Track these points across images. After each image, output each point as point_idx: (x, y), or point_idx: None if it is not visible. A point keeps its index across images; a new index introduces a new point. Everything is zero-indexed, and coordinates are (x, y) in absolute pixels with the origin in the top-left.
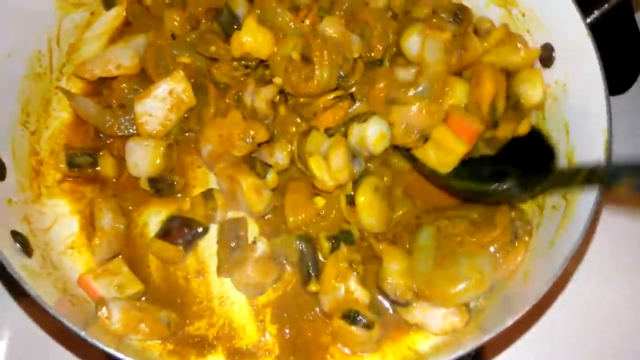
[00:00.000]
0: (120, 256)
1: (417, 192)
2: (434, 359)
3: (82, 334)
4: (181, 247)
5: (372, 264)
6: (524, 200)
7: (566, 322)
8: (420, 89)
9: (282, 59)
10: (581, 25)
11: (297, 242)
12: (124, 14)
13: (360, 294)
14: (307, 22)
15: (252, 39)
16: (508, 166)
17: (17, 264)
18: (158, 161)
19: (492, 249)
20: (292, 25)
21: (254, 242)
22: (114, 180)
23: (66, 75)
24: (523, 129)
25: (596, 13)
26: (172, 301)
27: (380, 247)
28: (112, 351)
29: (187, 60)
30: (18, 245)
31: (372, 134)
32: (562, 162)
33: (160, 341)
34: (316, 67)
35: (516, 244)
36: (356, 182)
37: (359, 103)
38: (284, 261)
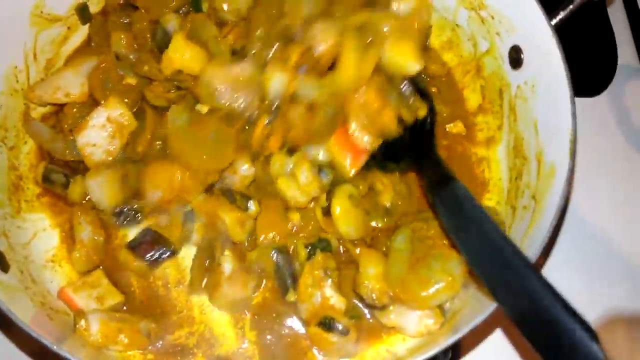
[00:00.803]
0: (100, 267)
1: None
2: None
3: (55, 348)
4: (146, 264)
5: (349, 269)
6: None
7: None
8: None
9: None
10: (546, 27)
11: (273, 254)
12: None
13: (336, 301)
14: (230, 37)
15: (180, 55)
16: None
17: None
18: (114, 195)
19: None
20: (219, 42)
21: (219, 264)
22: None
23: None
24: (421, 113)
25: (562, 14)
26: (152, 311)
27: (357, 251)
28: None
29: (134, 82)
30: None
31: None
32: (532, 163)
33: (140, 351)
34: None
35: None
36: (330, 192)
37: None
38: (260, 272)
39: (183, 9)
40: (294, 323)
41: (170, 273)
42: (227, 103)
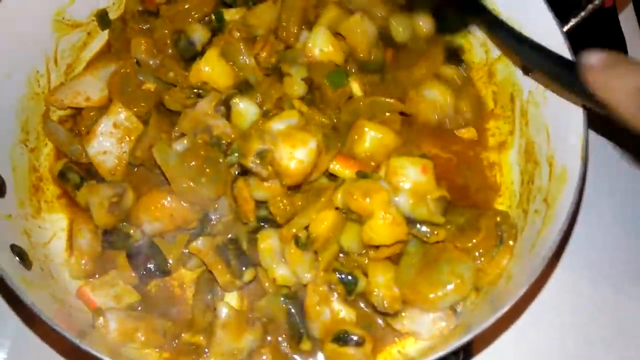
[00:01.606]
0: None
1: None
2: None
3: (78, 342)
4: (137, 276)
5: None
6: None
7: (549, 314)
8: None
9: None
10: (558, 33)
11: (283, 301)
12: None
13: (345, 313)
14: (264, 54)
15: (211, 69)
16: None
17: (17, 277)
18: (102, 217)
19: (476, 253)
20: (251, 66)
21: (214, 309)
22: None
23: None
24: None
25: (573, 21)
26: (168, 310)
27: (365, 262)
28: None
29: (152, 87)
30: (17, 258)
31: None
32: (544, 167)
33: (156, 349)
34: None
35: (501, 248)
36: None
37: None
38: (264, 320)
39: (206, 18)
40: None
41: (186, 274)
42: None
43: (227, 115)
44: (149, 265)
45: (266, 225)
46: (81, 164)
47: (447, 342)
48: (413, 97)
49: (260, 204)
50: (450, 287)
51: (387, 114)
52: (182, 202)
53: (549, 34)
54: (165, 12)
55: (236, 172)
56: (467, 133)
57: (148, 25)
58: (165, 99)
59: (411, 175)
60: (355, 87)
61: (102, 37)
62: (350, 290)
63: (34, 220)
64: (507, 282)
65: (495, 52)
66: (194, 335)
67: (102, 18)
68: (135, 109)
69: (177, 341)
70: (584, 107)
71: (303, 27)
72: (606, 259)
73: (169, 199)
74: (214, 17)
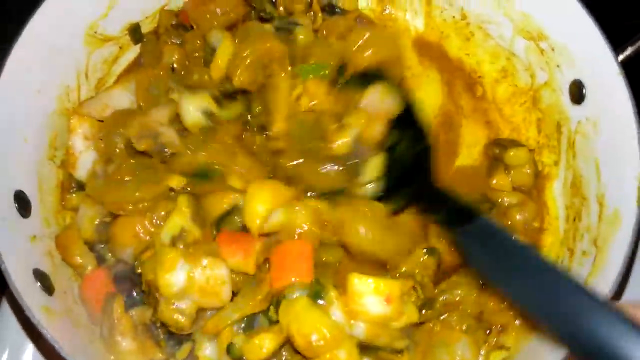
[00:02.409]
0: None
1: None
2: None
3: None
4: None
5: None
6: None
7: None
8: None
9: None
10: (613, 63)
11: None
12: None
13: None
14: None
15: (227, 55)
16: None
17: (37, 306)
18: (88, 231)
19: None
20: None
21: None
22: None
23: None
24: None
25: (629, 50)
26: None
27: None
28: None
29: (177, 99)
30: (39, 284)
31: None
32: (593, 205)
33: None
34: None
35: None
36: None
37: None
38: None
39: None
40: None
41: None
42: None
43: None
44: (133, 293)
45: None
46: None
47: None
48: None
49: None
50: None
51: None
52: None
53: (601, 64)
54: (192, 16)
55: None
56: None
57: (181, 40)
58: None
59: (372, 307)
60: None
61: (134, 50)
62: None
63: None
64: None
65: (542, 77)
66: None
67: (135, 32)
68: None
69: None
70: None
71: None
72: None
73: (138, 226)
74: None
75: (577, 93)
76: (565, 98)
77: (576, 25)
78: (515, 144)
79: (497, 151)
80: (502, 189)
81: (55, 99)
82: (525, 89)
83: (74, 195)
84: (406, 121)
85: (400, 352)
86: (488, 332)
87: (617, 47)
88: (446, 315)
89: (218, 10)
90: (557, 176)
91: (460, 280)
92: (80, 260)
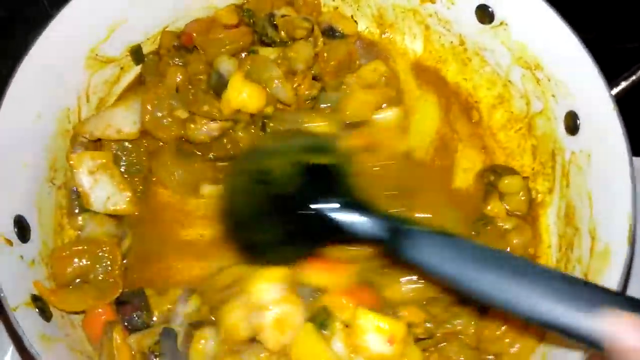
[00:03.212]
0: None
1: None
2: None
3: None
4: (122, 326)
5: None
6: None
7: None
8: None
9: None
10: (606, 97)
11: None
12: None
13: None
14: (304, 86)
15: (238, 94)
16: None
17: (34, 334)
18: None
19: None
20: (279, 84)
21: None
22: None
23: None
24: None
25: (623, 84)
26: None
27: None
28: None
29: (183, 116)
30: (37, 310)
31: None
32: (585, 237)
33: None
34: None
35: None
36: None
37: None
38: None
39: (243, 54)
40: None
41: None
42: None
43: None
44: (134, 316)
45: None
46: None
47: None
48: None
49: None
50: None
51: None
52: None
53: (595, 97)
54: (199, 41)
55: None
56: None
57: (183, 61)
58: (188, 131)
59: (374, 345)
60: None
61: (135, 70)
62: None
63: None
64: None
65: (537, 105)
66: None
67: (137, 53)
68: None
69: None
70: (633, 183)
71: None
72: None
73: None
74: (248, 54)
75: (572, 124)
76: (560, 128)
77: (571, 58)
78: (509, 171)
79: (492, 178)
80: (497, 215)
81: (55, 121)
82: (520, 116)
83: (79, 217)
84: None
85: None
86: None
87: (611, 74)
88: (444, 344)
89: (227, 40)
90: (552, 204)
91: (461, 312)
92: None
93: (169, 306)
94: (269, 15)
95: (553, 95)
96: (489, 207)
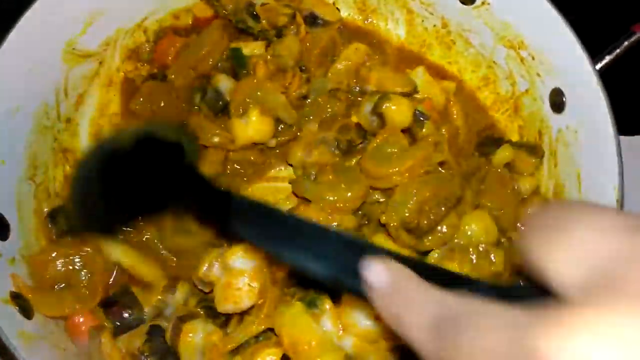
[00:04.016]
0: None
1: None
2: None
3: None
4: (110, 329)
5: None
6: None
7: None
8: None
9: None
10: (590, 72)
11: None
12: None
13: None
14: (294, 87)
15: (257, 129)
16: None
17: (14, 332)
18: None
19: None
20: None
21: None
22: None
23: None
24: None
25: (607, 59)
26: None
27: None
28: None
29: None
30: (17, 308)
31: None
32: None
33: None
34: None
35: None
36: None
37: None
38: None
39: (219, 64)
40: None
41: None
42: None
43: None
44: (124, 315)
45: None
46: None
47: None
48: None
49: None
50: None
51: None
52: None
53: (579, 73)
54: (181, 62)
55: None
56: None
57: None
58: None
59: (362, 321)
60: None
61: (114, 66)
62: None
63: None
64: None
65: (523, 85)
66: None
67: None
68: None
69: None
70: (620, 157)
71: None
72: None
73: None
74: (231, 54)
75: (557, 101)
76: (546, 106)
77: (554, 34)
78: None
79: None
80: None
81: (33, 117)
82: (506, 97)
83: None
84: None
85: None
86: None
87: (595, 53)
88: None
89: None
90: (540, 185)
91: None
92: None
93: (158, 297)
94: (248, 5)
95: (538, 74)
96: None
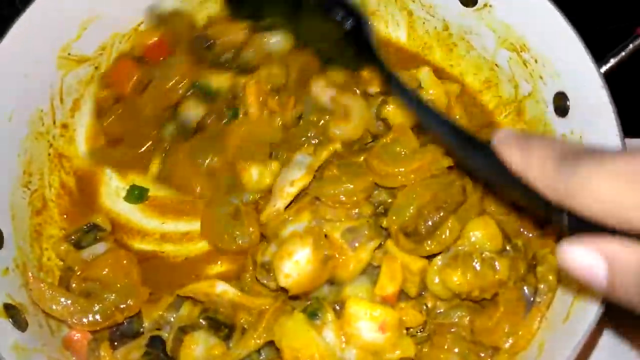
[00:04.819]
0: None
1: None
2: None
3: None
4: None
5: None
6: None
7: None
8: None
9: None
10: (595, 76)
11: None
12: None
13: None
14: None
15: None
16: None
17: (7, 346)
18: None
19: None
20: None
21: None
22: None
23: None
24: None
25: (612, 62)
26: None
27: None
28: None
29: None
30: (10, 320)
31: None
32: None
33: None
34: None
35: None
36: None
37: None
38: None
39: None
40: None
41: None
42: None
43: None
44: (124, 323)
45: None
46: None
47: None
48: None
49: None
50: None
51: None
52: None
53: (584, 76)
54: (149, 93)
55: None
56: None
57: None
58: None
59: (365, 332)
60: None
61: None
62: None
63: (34, 268)
64: (539, 354)
65: (526, 88)
66: None
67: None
68: None
69: None
70: None
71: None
72: None
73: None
74: (200, 88)
75: (562, 105)
76: (549, 110)
77: (558, 37)
78: None
79: None
80: None
81: (27, 124)
82: (509, 100)
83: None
84: None
85: None
86: (482, 355)
87: (600, 54)
88: (436, 336)
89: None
90: None
91: (461, 303)
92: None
93: (159, 313)
94: (199, 39)
95: (541, 77)
96: None
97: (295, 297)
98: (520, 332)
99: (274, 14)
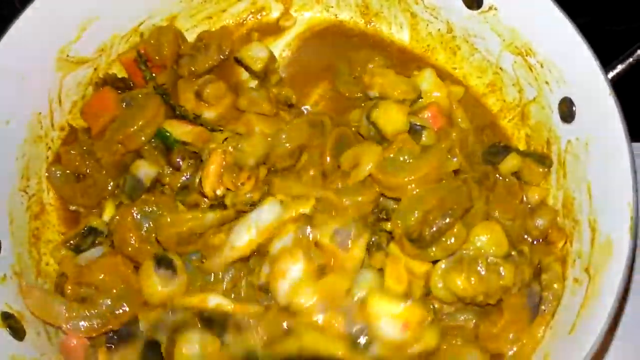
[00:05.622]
0: None
1: None
2: None
3: None
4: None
5: None
6: None
7: None
8: None
9: None
10: (603, 82)
11: None
12: None
13: None
14: (247, 186)
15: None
16: None
17: (5, 356)
18: None
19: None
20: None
21: None
22: None
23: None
24: None
25: (619, 68)
26: None
27: None
28: None
29: None
30: (8, 329)
31: None
32: (585, 229)
33: None
34: None
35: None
36: None
37: None
38: None
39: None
40: None
41: None
42: None
43: None
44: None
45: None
46: None
47: None
48: None
49: None
50: None
51: None
52: None
53: (590, 82)
54: (108, 137)
55: None
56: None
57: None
58: None
59: (388, 330)
60: None
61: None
62: None
63: (32, 274)
64: None
65: (531, 93)
66: None
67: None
68: None
69: None
70: (634, 172)
71: None
72: None
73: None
74: (158, 135)
75: (567, 111)
76: (555, 115)
77: (564, 42)
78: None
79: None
80: None
81: (25, 127)
82: (513, 104)
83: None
84: None
85: None
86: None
87: (607, 62)
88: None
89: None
90: (548, 195)
91: (467, 307)
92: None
93: (155, 316)
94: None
95: (546, 82)
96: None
97: None
98: (524, 340)
99: None
